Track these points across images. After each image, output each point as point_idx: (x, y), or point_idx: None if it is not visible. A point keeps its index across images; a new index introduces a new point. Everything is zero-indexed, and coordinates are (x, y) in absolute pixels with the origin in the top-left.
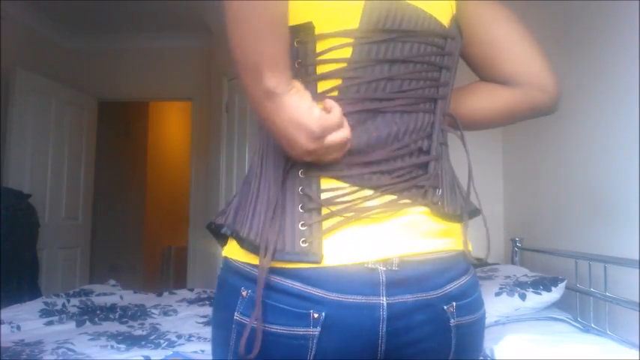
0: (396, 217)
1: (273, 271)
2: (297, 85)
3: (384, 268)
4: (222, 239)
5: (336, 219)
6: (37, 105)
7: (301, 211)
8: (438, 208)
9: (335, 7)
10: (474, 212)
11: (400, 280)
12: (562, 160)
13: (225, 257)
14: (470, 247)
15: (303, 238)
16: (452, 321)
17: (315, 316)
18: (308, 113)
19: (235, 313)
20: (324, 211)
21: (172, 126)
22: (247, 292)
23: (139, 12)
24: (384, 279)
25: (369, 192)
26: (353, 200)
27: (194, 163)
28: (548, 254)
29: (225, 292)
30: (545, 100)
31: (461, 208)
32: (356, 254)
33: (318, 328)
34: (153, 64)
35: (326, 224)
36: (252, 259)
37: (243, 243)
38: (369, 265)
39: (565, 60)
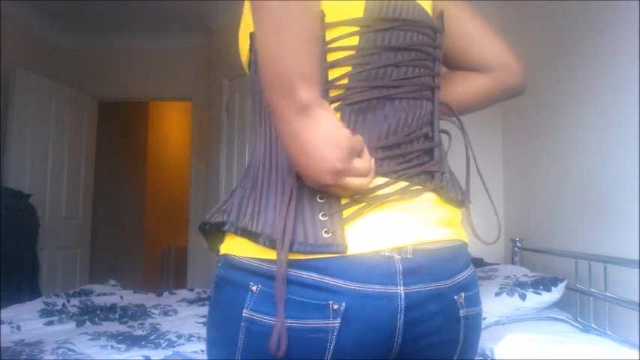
0: (408, 204)
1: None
2: (325, 102)
3: (399, 257)
4: (216, 238)
5: (355, 207)
6: (37, 105)
7: (320, 201)
8: (445, 192)
9: None
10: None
11: (414, 268)
12: (562, 161)
13: (226, 254)
14: (466, 238)
15: (325, 229)
16: (461, 311)
17: (335, 307)
18: (340, 130)
19: (244, 310)
20: (343, 200)
21: (172, 126)
22: (258, 287)
23: (139, 12)
24: (400, 268)
25: (382, 179)
26: (369, 188)
27: (194, 163)
28: (548, 254)
29: (229, 289)
30: (513, 81)
31: (461, 195)
32: (372, 242)
33: (339, 320)
34: (153, 64)
35: (345, 213)
36: (259, 254)
37: (259, 238)
38: (386, 254)
39: (565, 60)
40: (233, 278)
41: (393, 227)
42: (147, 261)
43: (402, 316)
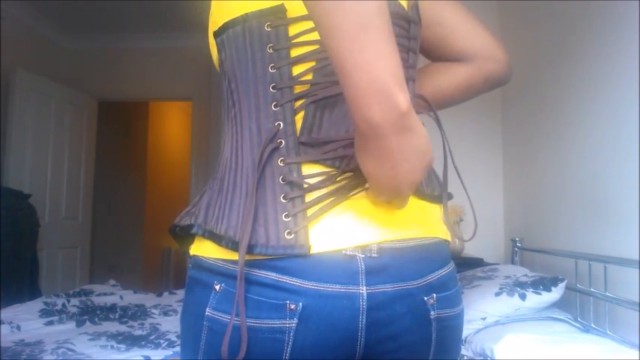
0: (377, 200)
1: (245, 263)
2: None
3: (363, 256)
4: (187, 240)
5: (320, 205)
6: (37, 105)
7: (284, 201)
8: (420, 187)
9: None
10: (449, 196)
11: (379, 268)
12: (562, 161)
13: (194, 256)
14: (448, 236)
15: (288, 230)
16: (432, 313)
17: (292, 307)
18: (427, 135)
19: (207, 309)
20: (307, 198)
21: (172, 126)
22: (221, 286)
23: (139, 12)
24: (363, 267)
25: (350, 174)
26: (336, 184)
27: (194, 163)
28: (548, 254)
29: (197, 290)
30: (497, 69)
31: (439, 189)
32: (334, 241)
33: (295, 320)
34: (153, 64)
35: (309, 212)
36: (224, 255)
37: (222, 240)
38: (348, 252)
39: (565, 60)
40: (201, 278)
41: (357, 225)
42: (147, 261)
43: (364, 317)
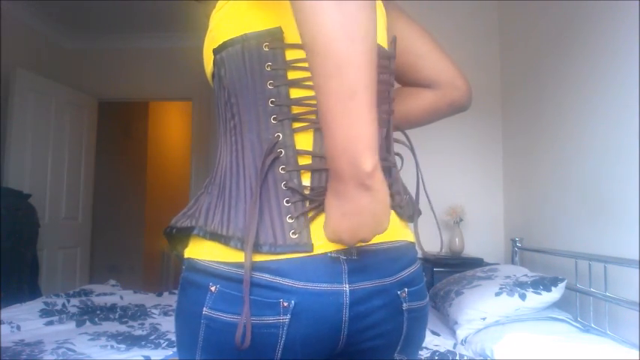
0: None
1: (241, 265)
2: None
3: (345, 258)
4: (180, 242)
5: (317, 209)
6: (37, 105)
7: (287, 204)
8: (402, 211)
9: None
10: (419, 213)
11: (360, 268)
12: (562, 161)
13: (189, 258)
14: (411, 238)
15: (293, 230)
16: (404, 305)
17: (285, 304)
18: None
19: (204, 308)
20: (307, 202)
21: (172, 126)
22: (216, 287)
23: (139, 12)
24: (345, 267)
25: None
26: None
27: (194, 163)
28: (548, 254)
29: (192, 291)
30: (460, 96)
31: (413, 211)
32: (320, 246)
33: (288, 316)
34: (153, 64)
35: (310, 214)
36: (219, 257)
37: (229, 241)
38: (332, 255)
39: (565, 60)
40: (195, 280)
41: None
42: (146, 261)
43: (348, 311)
